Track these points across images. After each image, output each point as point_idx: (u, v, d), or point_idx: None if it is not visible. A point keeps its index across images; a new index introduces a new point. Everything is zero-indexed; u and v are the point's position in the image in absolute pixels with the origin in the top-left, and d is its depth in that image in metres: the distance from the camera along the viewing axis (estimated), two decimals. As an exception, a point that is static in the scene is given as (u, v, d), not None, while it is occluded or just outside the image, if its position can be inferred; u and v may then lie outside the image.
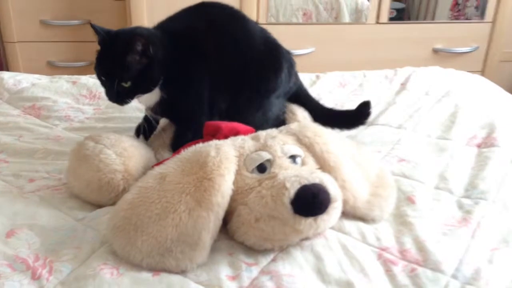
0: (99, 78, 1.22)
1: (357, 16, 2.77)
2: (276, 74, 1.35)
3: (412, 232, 1.03)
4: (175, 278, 0.92)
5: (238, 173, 1.02)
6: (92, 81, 1.79)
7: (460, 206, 1.13)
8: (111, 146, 1.15)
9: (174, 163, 1.03)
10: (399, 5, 2.93)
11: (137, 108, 1.59)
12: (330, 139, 1.12)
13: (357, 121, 1.43)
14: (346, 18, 2.76)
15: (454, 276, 0.93)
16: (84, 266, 0.95)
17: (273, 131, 1.12)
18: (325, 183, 0.97)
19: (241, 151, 1.05)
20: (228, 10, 1.35)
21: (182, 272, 0.94)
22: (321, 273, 0.94)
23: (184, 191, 0.97)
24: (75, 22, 2.58)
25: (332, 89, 1.78)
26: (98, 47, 1.21)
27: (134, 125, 1.54)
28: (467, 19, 2.83)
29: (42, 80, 1.82)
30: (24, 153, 1.37)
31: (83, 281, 0.91)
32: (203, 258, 0.95)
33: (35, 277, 0.92)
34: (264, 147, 1.06)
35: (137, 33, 1.17)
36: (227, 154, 1.02)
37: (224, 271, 0.94)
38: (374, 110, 1.59)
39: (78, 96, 1.73)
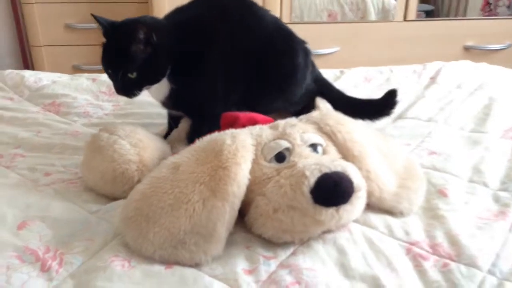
0: (106, 71, 1.18)
1: (384, 16, 2.70)
2: (292, 61, 1.29)
3: (444, 226, 0.96)
4: (189, 271, 0.87)
5: (255, 162, 0.97)
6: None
7: (496, 200, 1.05)
8: (125, 136, 1.11)
9: (188, 153, 0.98)
10: (428, 7, 2.85)
11: (153, 104, 1.54)
12: (354, 127, 1.06)
13: (383, 111, 1.35)
14: (373, 18, 2.70)
15: (490, 272, 0.85)
16: (95, 258, 0.91)
17: (292, 120, 1.06)
18: (348, 171, 0.91)
19: (259, 140, 1.00)
20: (240, 1, 1.30)
21: (196, 265, 0.89)
22: (344, 267, 0.87)
23: (198, 181, 0.92)
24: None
25: (357, 84, 1.71)
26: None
27: (153, 121, 1.51)
28: (498, 18, 2.75)
29: (62, 78, 1.80)
30: (42, 148, 1.35)
31: (94, 273, 0.86)
32: (218, 251, 0.90)
33: (45, 269, 0.88)
34: (283, 136, 1.00)
35: (139, 22, 1.14)
36: (244, 142, 0.97)
37: (240, 265, 0.88)
38: (402, 104, 1.52)
39: (97, 93, 1.70)
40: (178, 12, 1.27)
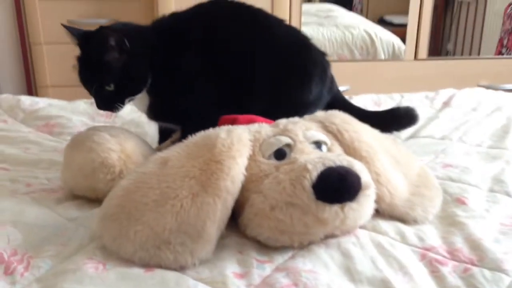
0: (84, 86, 1.09)
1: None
2: (304, 88, 1.16)
3: (464, 232, 0.85)
4: (171, 274, 0.77)
5: (252, 159, 0.88)
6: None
7: (522, 208, 0.94)
8: (105, 130, 1.03)
9: (179, 147, 0.89)
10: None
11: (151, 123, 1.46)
12: (361, 127, 0.97)
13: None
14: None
15: (519, 277, 0.74)
16: (66, 263, 0.80)
17: (295, 118, 0.97)
18: (355, 167, 0.81)
19: (257, 136, 0.90)
20: (244, 7, 1.18)
21: (181, 269, 0.78)
22: (350, 271, 0.76)
23: (188, 175, 0.83)
24: (103, 21, 2.43)
25: (366, 107, 1.62)
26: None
27: (152, 140, 1.42)
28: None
29: (60, 102, 1.74)
30: (28, 163, 1.25)
31: (62, 276, 0.76)
32: (207, 253, 0.79)
33: (8, 272, 0.78)
34: (284, 132, 0.91)
35: (108, 28, 1.05)
36: (240, 137, 0.88)
37: (230, 268, 0.78)
38: (414, 126, 1.42)
39: (94, 115, 1.63)
40: (169, 17, 1.19)
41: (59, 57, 2.62)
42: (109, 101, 1.08)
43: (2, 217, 0.93)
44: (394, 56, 2.67)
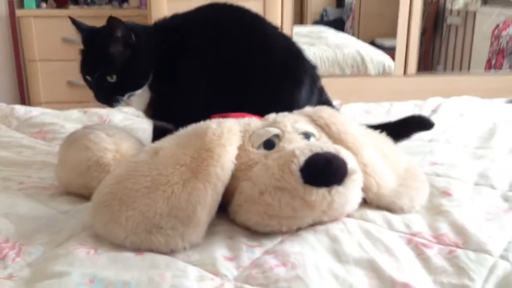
0: (85, 79, 1.10)
1: (384, 77, 2.70)
2: (294, 90, 1.18)
3: (449, 219, 0.87)
4: (161, 257, 0.78)
5: (241, 148, 0.90)
6: (104, 110, 1.71)
7: (506, 199, 0.96)
8: (102, 129, 1.04)
9: (170, 138, 0.92)
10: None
11: (145, 130, 1.48)
12: (349, 121, 0.99)
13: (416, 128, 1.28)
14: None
15: (503, 257, 0.76)
16: (58, 249, 0.82)
17: (283, 113, 0.99)
18: (341, 154, 0.83)
19: (247, 128, 0.93)
20: (241, 12, 1.21)
21: (171, 252, 0.79)
22: (337, 253, 0.78)
23: (179, 162, 0.85)
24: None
25: (357, 116, 1.65)
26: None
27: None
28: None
29: (53, 111, 1.75)
30: (21, 165, 1.26)
31: (53, 260, 0.77)
32: (197, 237, 0.80)
33: (0, 257, 0.79)
34: (273, 124, 0.93)
35: (117, 20, 1.05)
36: (231, 127, 0.90)
37: (220, 252, 0.79)
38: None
39: (87, 122, 1.64)
40: (171, 17, 1.22)
41: (53, 74, 2.65)
42: (109, 94, 1.09)
43: (-6, 210, 0.94)
44: (385, 73, 2.71)
